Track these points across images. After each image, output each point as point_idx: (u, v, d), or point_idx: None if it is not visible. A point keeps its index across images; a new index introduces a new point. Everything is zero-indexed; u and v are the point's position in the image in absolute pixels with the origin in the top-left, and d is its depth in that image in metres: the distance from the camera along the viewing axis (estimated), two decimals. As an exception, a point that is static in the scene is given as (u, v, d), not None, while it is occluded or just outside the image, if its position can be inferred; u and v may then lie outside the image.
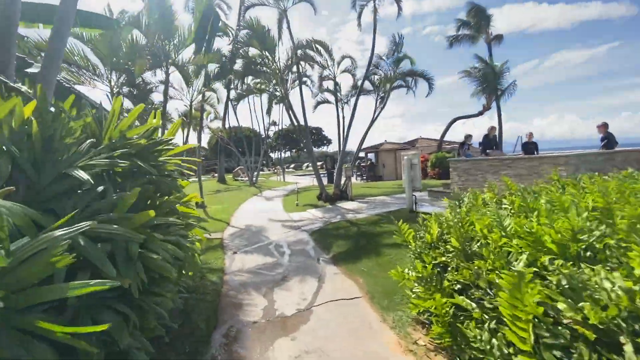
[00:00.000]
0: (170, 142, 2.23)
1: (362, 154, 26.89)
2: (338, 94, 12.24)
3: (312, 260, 5.32)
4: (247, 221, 9.21)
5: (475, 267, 2.30)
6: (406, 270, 3.39)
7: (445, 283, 2.46)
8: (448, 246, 2.81)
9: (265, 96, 32.38)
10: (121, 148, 1.75)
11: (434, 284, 2.60)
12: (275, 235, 7.20)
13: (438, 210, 8.17)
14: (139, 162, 1.78)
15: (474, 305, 2.11)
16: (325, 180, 24.26)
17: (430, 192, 10.58)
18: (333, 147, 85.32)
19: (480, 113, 21.43)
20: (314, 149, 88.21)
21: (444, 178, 17.93)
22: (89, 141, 1.74)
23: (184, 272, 2.59)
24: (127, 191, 1.71)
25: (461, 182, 9.26)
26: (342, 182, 11.82)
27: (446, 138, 22.13)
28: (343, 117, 12.35)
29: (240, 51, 10.47)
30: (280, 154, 78.16)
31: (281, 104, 38.97)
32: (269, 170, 50.89)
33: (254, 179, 24.66)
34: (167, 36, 8.00)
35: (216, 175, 31.90)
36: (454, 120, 21.07)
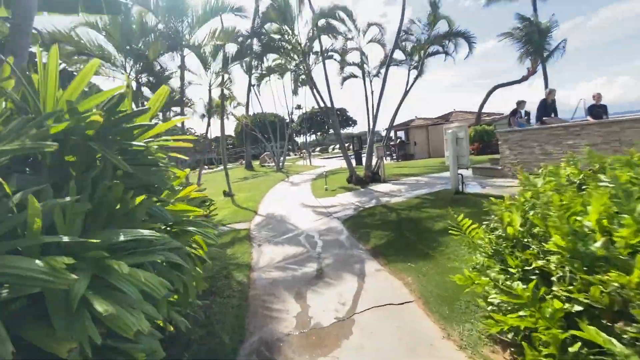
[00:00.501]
0: (142, 113, 1.59)
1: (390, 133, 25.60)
2: (365, 66, 11.19)
3: (348, 253, 4.68)
4: (275, 209, 8.73)
5: (612, 283, 1.51)
6: (471, 269, 2.65)
7: (556, 304, 1.68)
8: (548, 245, 1.99)
9: (288, 79, 31.56)
10: (71, 124, 1.17)
11: (532, 304, 1.82)
12: (305, 224, 6.62)
13: (490, 191, 7.23)
14: (96, 145, 1.20)
15: (626, 351, 1.32)
16: (353, 162, 23.41)
17: (476, 170, 9.47)
18: (358, 129, 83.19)
19: (525, 78, 19.24)
20: (343, 130, 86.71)
21: (484, 153, 16.42)
22: (22, 117, 1.17)
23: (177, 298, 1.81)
24: (83, 191, 1.15)
25: (514, 157, 8.09)
26: (374, 162, 10.96)
27: (485, 109, 20.23)
28: (372, 92, 11.35)
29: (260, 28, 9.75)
30: (306, 138, 77.65)
31: (305, 86, 37.97)
32: (295, 154, 50.61)
33: (280, 164, 24.32)
34: (178, 15, 7.43)
35: (244, 162, 32.05)
36: (494, 88, 19.10)
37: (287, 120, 29.29)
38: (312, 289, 3.69)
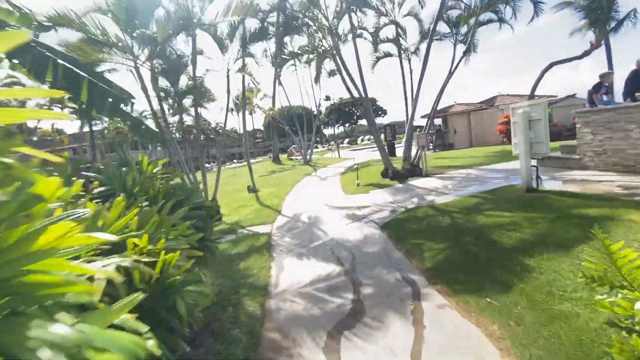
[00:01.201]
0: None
1: (419, 121, 23.76)
2: (402, 41, 9.64)
3: (394, 275, 3.51)
4: (301, 208, 7.71)
5: None
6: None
7: None
8: None
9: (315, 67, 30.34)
10: None
11: None
12: (335, 229, 5.52)
13: (574, 188, 5.58)
14: None
15: None
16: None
17: (543, 160, 7.77)
18: (388, 119, 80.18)
19: (586, 53, 16.48)
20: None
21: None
22: None
23: None
24: None
25: (598, 142, 6.38)
26: (413, 153, 9.57)
27: (537, 92, 17.74)
28: (411, 72, 9.85)
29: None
30: (334, 130, 76.23)
31: (333, 76, 36.46)
32: (323, 147, 49.49)
33: (308, 157, 23.36)
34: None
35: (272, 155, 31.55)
36: (550, 65, 16.56)
37: (315, 112, 28.15)
38: (347, 338, 2.58)
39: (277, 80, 25.82)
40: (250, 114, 56.31)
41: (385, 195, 7.64)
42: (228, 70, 8.38)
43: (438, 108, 22.97)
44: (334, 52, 9.28)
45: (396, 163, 9.99)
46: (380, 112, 76.81)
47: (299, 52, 9.66)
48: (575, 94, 15.75)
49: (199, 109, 9.60)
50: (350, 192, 8.83)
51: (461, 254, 3.69)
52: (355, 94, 9.32)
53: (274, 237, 5.59)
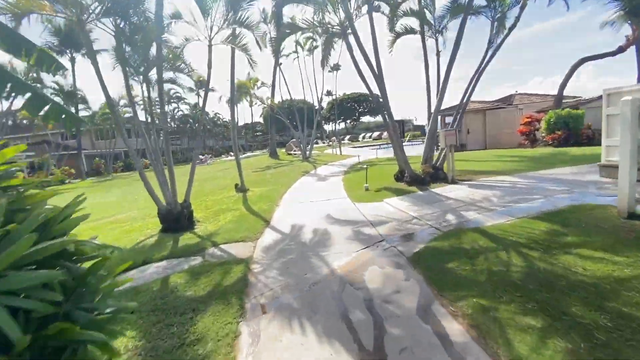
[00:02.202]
0: None
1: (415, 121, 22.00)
2: (428, 12, 7.80)
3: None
4: (296, 218, 6.01)
5: None
6: None
7: None
8: None
9: (318, 56, 28.53)
10: None
11: None
12: (342, 258, 3.84)
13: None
14: None
15: None
16: (390, 153, 20.10)
17: (605, 169, 6.09)
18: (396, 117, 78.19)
19: (622, 49, 14.86)
20: (371, 119, 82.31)
21: (568, 144, 12.63)
22: None
23: None
24: None
25: None
26: (436, 155, 7.88)
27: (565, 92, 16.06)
28: (437, 54, 8.06)
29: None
30: (335, 125, 74.36)
31: (335, 71, 34.45)
32: (323, 143, 47.68)
33: (307, 152, 21.62)
34: None
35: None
36: (581, 61, 14.91)
37: (317, 107, 26.32)
38: None
39: (276, 68, 23.98)
40: (250, 105, 54.33)
41: (404, 205, 5.95)
42: (210, 38, 6.60)
43: (449, 105, 21.21)
44: (346, 26, 7.52)
45: (415, 164, 8.30)
46: (384, 109, 74.85)
47: (303, 25, 7.89)
48: (611, 94, 14.05)
49: (180, 88, 7.87)
50: (358, 198, 7.13)
51: (581, 339, 1.99)
52: (371, 82, 7.60)
53: (255, 269, 3.89)
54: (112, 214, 9.30)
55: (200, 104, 52.60)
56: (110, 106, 6.17)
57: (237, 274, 3.69)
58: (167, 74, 7.78)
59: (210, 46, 6.61)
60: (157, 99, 7.13)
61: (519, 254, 3.27)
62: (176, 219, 6.00)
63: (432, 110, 7.82)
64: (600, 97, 15.05)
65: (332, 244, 4.43)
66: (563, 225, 3.82)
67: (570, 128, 12.85)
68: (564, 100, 15.36)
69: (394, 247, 4.03)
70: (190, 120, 51.41)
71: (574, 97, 17.99)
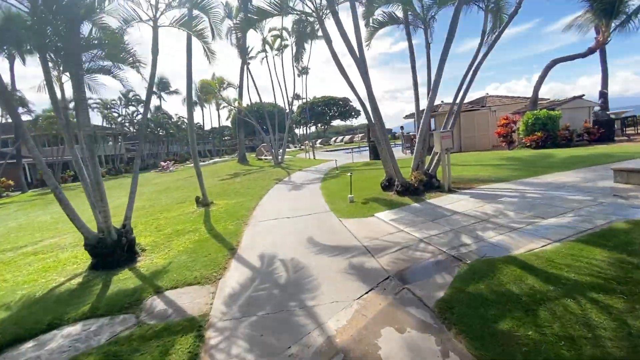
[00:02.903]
0: None
1: (393, 123, 21.67)
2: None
3: None
4: (270, 244, 4.77)
5: None
6: None
7: None
8: None
9: (288, 56, 27.37)
10: None
11: None
12: (339, 312, 2.71)
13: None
14: None
15: None
16: (364, 157, 19.29)
17: (630, 175, 5.45)
18: (360, 120, 79.17)
19: (592, 50, 15.12)
20: (341, 122, 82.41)
21: (546, 147, 12.46)
22: None
23: None
24: None
25: None
26: (425, 159, 6.99)
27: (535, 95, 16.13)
28: (427, 45, 7.18)
29: None
30: (305, 129, 73.45)
31: (303, 75, 33.26)
32: (295, 147, 46.42)
33: (279, 157, 20.29)
34: None
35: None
36: (553, 63, 15.01)
37: (287, 110, 25.02)
38: None
39: (244, 68, 22.44)
40: (217, 108, 51.71)
41: (402, 223, 4.92)
42: (155, 19, 5.20)
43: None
44: (324, 11, 6.44)
45: (404, 170, 7.34)
46: (353, 113, 75.26)
47: (272, 10, 6.68)
48: (583, 95, 14.22)
49: (124, 85, 6.31)
50: (344, 212, 6.02)
51: None
52: (357, 61, 6.51)
53: (211, 340, 2.61)
54: (39, 240, 7.46)
55: (163, 107, 49.00)
56: (56, 109, 4.61)
57: (183, 354, 2.39)
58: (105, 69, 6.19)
59: (155, 28, 5.20)
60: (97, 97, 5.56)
61: (596, 305, 2.30)
62: (110, 252, 4.52)
63: (423, 108, 6.94)
64: (574, 98, 15.29)
65: (321, 286, 3.26)
66: (628, 251, 2.94)
67: (548, 129, 12.71)
68: (540, 101, 15.39)
69: (408, 290, 2.95)
70: (152, 125, 47.95)
71: (542, 98, 18.29)
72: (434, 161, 6.85)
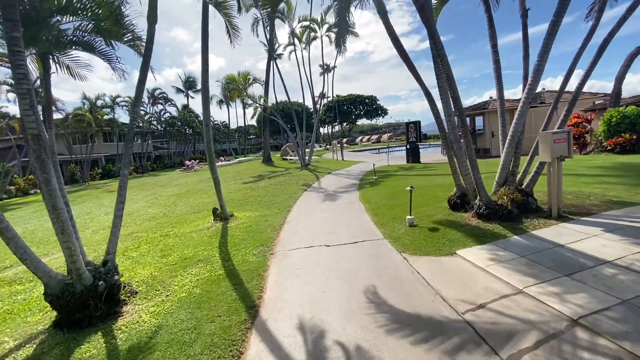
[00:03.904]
0: None
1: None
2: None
3: None
4: (307, 304, 3.16)
5: None
6: None
7: None
8: None
9: (317, 47, 25.68)
10: None
11: None
12: None
13: None
14: None
15: None
16: (398, 159, 17.26)
17: None
18: (386, 120, 76.50)
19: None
20: (366, 121, 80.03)
21: (636, 151, 10.03)
22: None
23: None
24: None
25: None
26: (518, 169, 5.11)
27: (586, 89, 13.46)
28: (524, 11, 5.25)
29: None
30: (330, 129, 71.77)
31: (329, 73, 31.44)
32: (321, 146, 44.84)
33: (307, 158, 18.79)
34: None
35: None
36: (638, 50, 12.35)
37: (312, 108, 23.41)
38: None
39: (270, 63, 21.12)
40: (244, 108, 51.17)
41: (513, 273, 3.15)
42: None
43: (469, 104, 18.42)
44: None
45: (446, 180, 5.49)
46: (380, 112, 72.68)
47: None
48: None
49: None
50: (407, 244, 4.31)
51: None
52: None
53: None
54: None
55: (190, 105, 49.14)
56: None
57: None
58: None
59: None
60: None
61: None
62: (79, 305, 3.11)
63: (523, 96, 5.06)
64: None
65: None
66: None
67: (639, 130, 10.25)
68: (623, 98, 12.76)
69: None
70: (178, 123, 48.17)
71: (594, 93, 15.43)
72: (531, 174, 4.97)
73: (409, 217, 5.09)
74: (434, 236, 4.47)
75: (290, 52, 20.40)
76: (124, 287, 3.71)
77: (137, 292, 3.78)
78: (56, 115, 27.99)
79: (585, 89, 18.42)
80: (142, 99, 40.98)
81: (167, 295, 3.62)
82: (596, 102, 13.77)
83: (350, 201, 7.80)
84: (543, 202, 5.08)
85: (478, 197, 4.72)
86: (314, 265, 4.02)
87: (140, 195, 13.82)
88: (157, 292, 3.76)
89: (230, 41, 5.60)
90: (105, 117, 34.44)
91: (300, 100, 30.05)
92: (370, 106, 71.73)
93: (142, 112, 41.77)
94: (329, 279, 3.59)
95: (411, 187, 5.06)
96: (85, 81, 4.52)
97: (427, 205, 6.08)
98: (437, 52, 4.71)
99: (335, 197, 8.52)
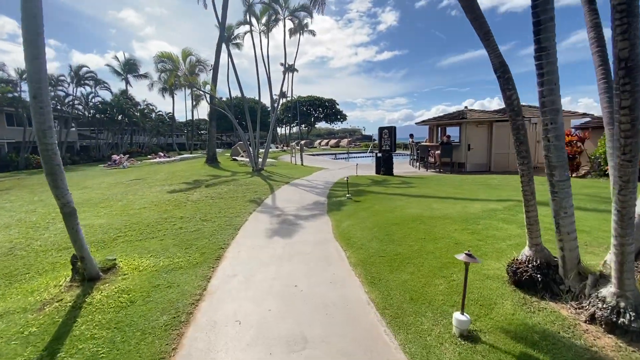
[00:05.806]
0: None
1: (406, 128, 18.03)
2: None
3: None
4: None
5: None
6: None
7: None
8: None
9: (279, 34, 22.69)
10: None
11: None
12: None
13: None
14: None
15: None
16: (363, 169, 14.95)
17: None
18: (343, 126, 75.33)
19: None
20: (324, 125, 78.32)
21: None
22: None
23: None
24: None
25: None
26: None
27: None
28: None
29: None
30: (288, 129, 68.57)
31: (290, 73, 28.48)
32: (276, 147, 41.41)
33: (261, 160, 15.62)
34: None
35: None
36: None
37: (274, 104, 20.28)
38: None
39: (221, 45, 17.54)
40: (192, 100, 45.53)
41: None
42: None
43: (433, 115, 16.72)
44: None
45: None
46: (339, 117, 71.45)
47: None
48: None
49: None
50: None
51: None
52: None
53: None
54: None
55: (129, 91, 42.60)
56: None
57: None
58: None
59: None
60: None
61: None
62: None
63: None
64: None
65: None
66: None
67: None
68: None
69: None
70: (114, 111, 41.16)
71: (586, 113, 14.91)
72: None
73: (459, 315, 2.44)
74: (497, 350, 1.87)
75: (246, 33, 17.11)
76: None
77: None
78: None
79: (581, 110, 17.61)
80: (62, 76, 33.80)
81: None
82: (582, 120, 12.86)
83: (322, 240, 5.02)
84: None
85: (615, 287, 2.25)
86: None
87: (17, 203, 9.54)
88: None
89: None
90: (9, 94, 27.43)
91: (257, 98, 26.73)
92: (330, 109, 70.13)
93: (62, 94, 34.51)
94: None
95: (468, 253, 2.41)
96: None
97: (453, 267, 3.52)
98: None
99: (296, 229, 5.67)
